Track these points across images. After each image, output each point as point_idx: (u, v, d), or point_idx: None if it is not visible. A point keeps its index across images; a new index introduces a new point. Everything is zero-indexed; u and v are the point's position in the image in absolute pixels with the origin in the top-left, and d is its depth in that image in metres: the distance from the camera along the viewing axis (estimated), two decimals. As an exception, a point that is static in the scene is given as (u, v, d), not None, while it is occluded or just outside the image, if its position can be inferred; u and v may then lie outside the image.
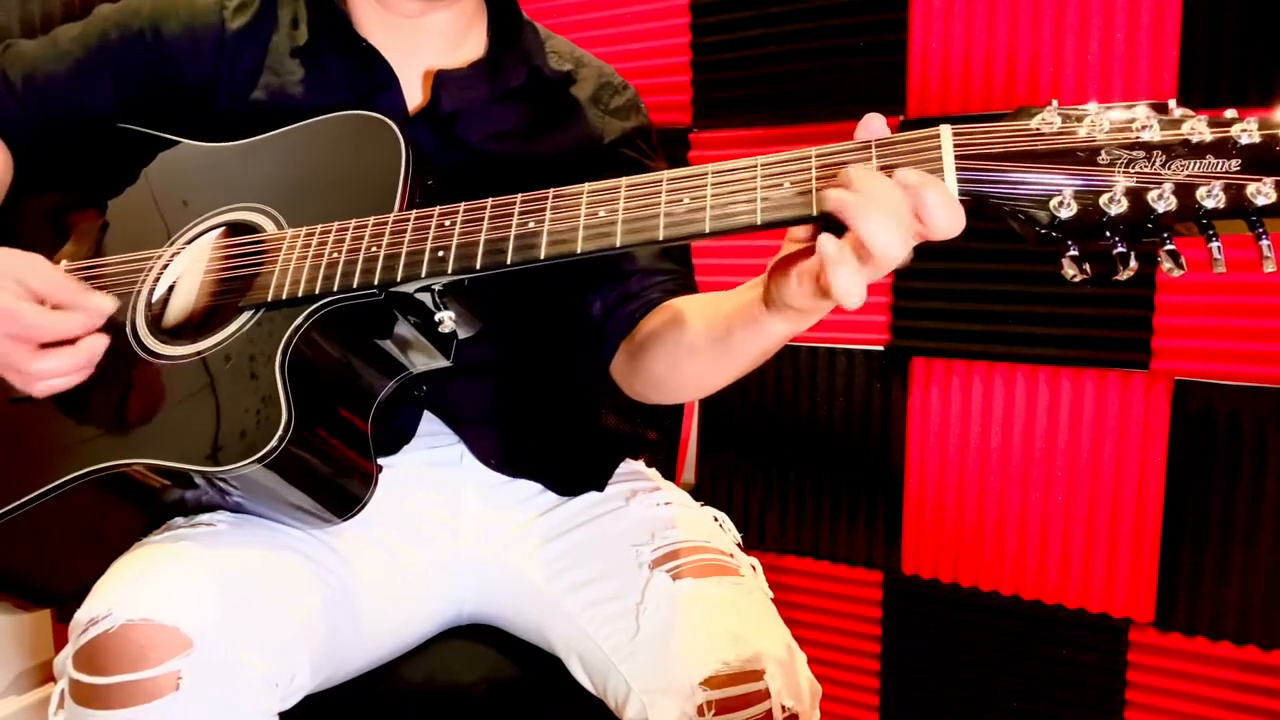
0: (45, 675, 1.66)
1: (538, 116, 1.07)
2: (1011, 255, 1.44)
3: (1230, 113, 0.64)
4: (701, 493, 1.25)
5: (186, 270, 0.94)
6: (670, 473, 1.21)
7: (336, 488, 0.90)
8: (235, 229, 0.94)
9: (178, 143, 1.03)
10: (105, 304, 0.90)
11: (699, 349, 0.90)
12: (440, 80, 1.03)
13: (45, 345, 0.87)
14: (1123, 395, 1.39)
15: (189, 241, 0.96)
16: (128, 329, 0.92)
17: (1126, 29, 1.32)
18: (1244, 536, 1.34)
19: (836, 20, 1.53)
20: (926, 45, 1.46)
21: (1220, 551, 1.36)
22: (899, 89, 1.48)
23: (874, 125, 0.73)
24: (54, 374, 0.87)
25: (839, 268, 0.66)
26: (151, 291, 0.93)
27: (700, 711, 0.83)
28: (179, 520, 0.94)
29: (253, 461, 0.79)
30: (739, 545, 1.02)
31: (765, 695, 0.83)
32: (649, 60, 1.68)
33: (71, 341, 0.88)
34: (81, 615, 0.81)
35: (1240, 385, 1.32)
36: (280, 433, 0.79)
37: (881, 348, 1.56)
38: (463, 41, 1.07)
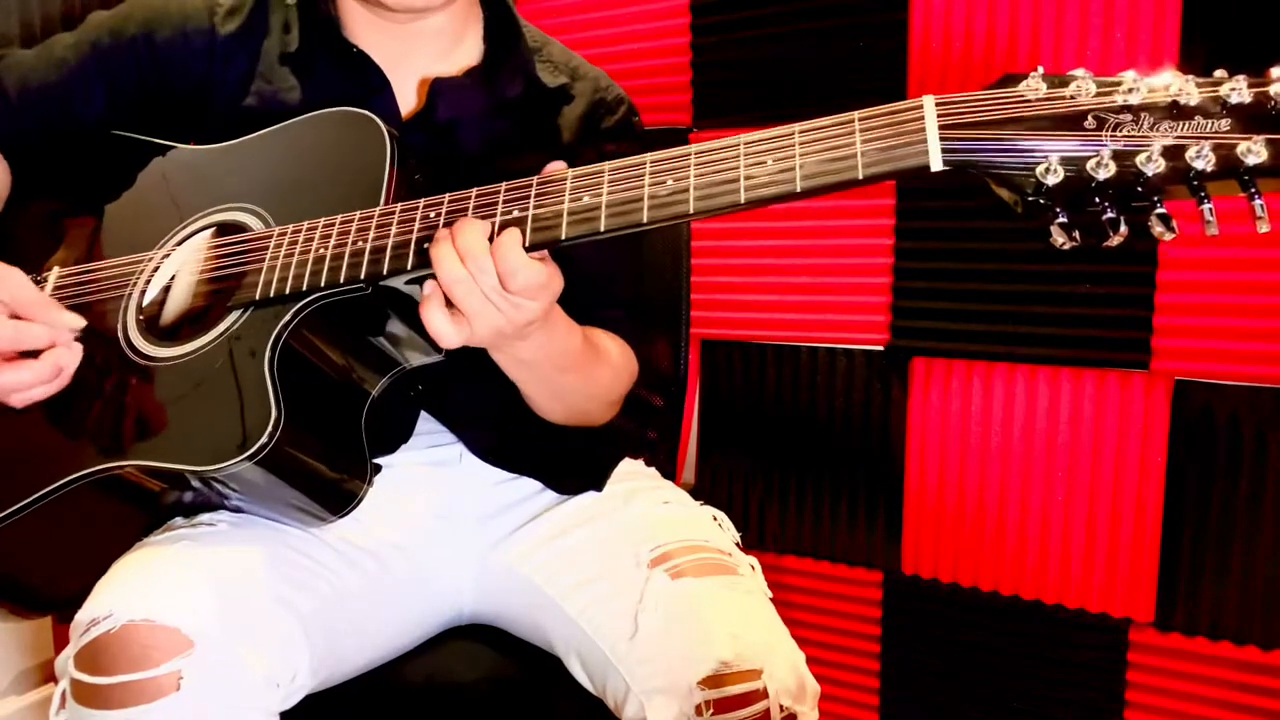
0: (45, 675, 1.66)
1: (531, 132, 1.06)
2: (1012, 255, 1.43)
3: (1219, 72, 0.63)
4: (701, 493, 1.24)
5: (179, 272, 0.94)
6: (670, 473, 1.21)
7: (331, 484, 0.90)
8: (224, 229, 0.94)
9: (169, 147, 1.03)
10: (70, 320, 0.90)
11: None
12: (436, 88, 1.02)
13: (13, 359, 0.87)
14: (1123, 395, 1.39)
15: (179, 244, 0.96)
16: (119, 332, 0.92)
17: (1127, 27, 1.32)
18: (1244, 536, 1.34)
19: (836, 21, 1.52)
20: (927, 47, 1.46)
21: (1220, 551, 1.36)
22: (899, 90, 1.48)
23: None
24: (17, 388, 0.87)
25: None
26: (143, 295, 0.93)
27: (698, 711, 0.83)
28: (179, 520, 0.94)
29: (243, 460, 0.79)
30: (738, 545, 1.02)
31: (763, 695, 0.83)
32: (649, 60, 1.68)
33: (36, 355, 0.87)
34: (83, 615, 0.81)
35: (1240, 385, 1.32)
36: (270, 430, 0.80)
37: (881, 348, 1.56)
38: (456, 47, 1.06)
